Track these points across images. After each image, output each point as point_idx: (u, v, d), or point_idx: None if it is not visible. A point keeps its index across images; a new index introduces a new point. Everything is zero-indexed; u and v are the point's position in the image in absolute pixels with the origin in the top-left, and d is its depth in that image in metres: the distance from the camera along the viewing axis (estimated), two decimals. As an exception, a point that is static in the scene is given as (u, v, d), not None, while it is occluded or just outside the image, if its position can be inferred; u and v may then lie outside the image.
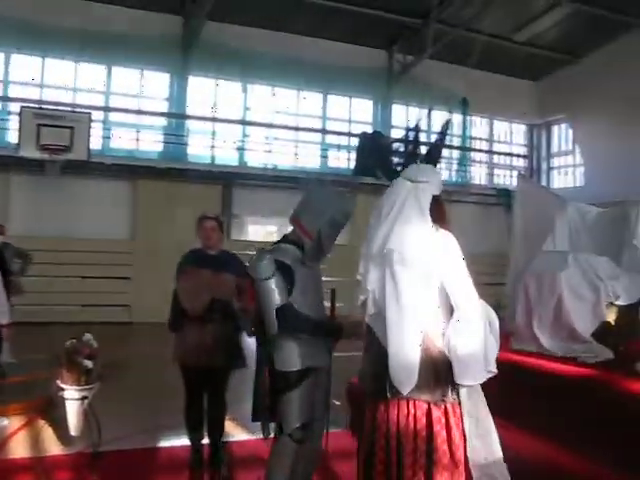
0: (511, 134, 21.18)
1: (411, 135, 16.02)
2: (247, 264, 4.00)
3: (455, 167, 19.38)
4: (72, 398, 5.40)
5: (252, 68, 16.04)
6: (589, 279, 5.71)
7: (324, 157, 17.53)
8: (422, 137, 16.69)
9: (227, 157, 16.24)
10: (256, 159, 16.56)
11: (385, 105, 18.21)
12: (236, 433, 6.00)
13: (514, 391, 4.78)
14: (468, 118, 19.40)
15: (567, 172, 20.19)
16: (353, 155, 17.24)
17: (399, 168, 16.06)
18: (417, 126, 16.09)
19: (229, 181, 15.59)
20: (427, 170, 3.45)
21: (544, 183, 20.54)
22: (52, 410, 5.71)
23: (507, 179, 20.66)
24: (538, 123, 20.78)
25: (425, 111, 17.56)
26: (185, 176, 14.81)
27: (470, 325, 3.09)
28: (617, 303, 5.76)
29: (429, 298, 3.13)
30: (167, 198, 14.48)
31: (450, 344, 3.10)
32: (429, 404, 3.14)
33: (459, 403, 3.19)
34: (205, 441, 5.29)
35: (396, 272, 3.14)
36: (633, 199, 6.95)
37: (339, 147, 17.51)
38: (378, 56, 17.69)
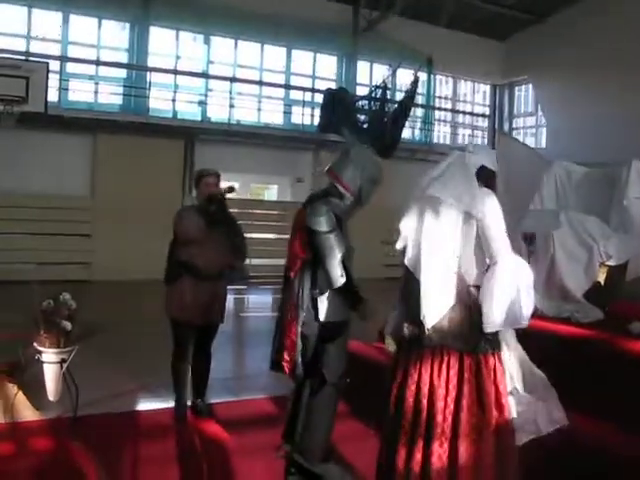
0: (474, 94, 21.11)
1: (378, 93, 15.74)
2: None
3: (419, 126, 19.19)
4: (50, 361, 5.14)
5: (214, 20, 15.52)
6: (582, 239, 5.69)
7: (288, 113, 17.17)
8: (389, 95, 16.44)
9: (189, 111, 15.79)
10: (219, 114, 16.10)
11: (350, 61, 17.87)
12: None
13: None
14: (433, 77, 19.20)
15: (529, 133, 20.25)
16: (317, 112, 16.92)
17: (365, 125, 15.87)
18: (384, 84, 15.81)
19: (191, 136, 15.16)
20: (478, 144, 3.48)
21: (495, 144, 20.58)
22: (22, 374, 5.46)
23: (470, 139, 20.69)
24: (502, 83, 20.72)
25: (393, 68, 17.28)
26: (146, 130, 14.33)
27: (504, 274, 3.11)
28: (608, 263, 5.76)
29: (467, 240, 3.21)
30: (128, 153, 14.02)
31: (485, 288, 3.15)
32: (461, 353, 3.21)
33: (493, 354, 3.22)
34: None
35: (436, 212, 3.24)
36: (601, 161, 7.02)
37: (303, 103, 17.14)
38: (344, 11, 17.26)
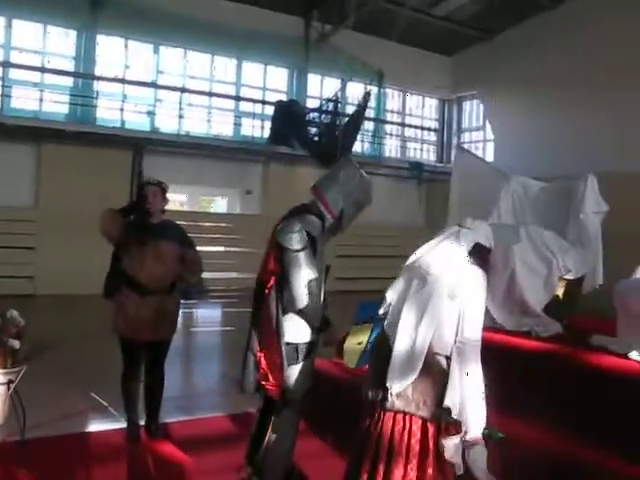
0: (423, 108, 21.30)
1: (329, 106, 15.73)
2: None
3: (369, 139, 19.25)
4: (-3, 382, 4.90)
5: (164, 29, 15.21)
6: (541, 253, 5.71)
7: (238, 125, 16.99)
8: (340, 108, 16.46)
9: (138, 122, 15.46)
10: (168, 124, 15.85)
11: (301, 74, 17.81)
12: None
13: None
14: (383, 90, 19.30)
15: (477, 147, 20.49)
16: (268, 124, 16.82)
17: (315, 138, 15.83)
18: (336, 96, 15.81)
19: (139, 147, 14.83)
20: (476, 221, 3.60)
21: (453, 158, 20.84)
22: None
23: (419, 153, 20.86)
24: (450, 98, 20.97)
25: (344, 82, 17.34)
26: (93, 140, 13.97)
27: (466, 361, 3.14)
28: (566, 277, 5.80)
29: (447, 316, 3.20)
30: (73, 163, 13.65)
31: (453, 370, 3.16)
32: (425, 420, 3.20)
33: (455, 423, 3.16)
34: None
35: (422, 285, 3.29)
36: (547, 176, 7.13)
37: (254, 115, 17.01)
38: (295, 23, 17.21)
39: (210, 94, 16.53)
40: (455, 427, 3.17)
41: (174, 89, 15.92)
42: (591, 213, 6.16)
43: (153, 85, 15.75)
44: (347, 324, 6.04)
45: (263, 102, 17.23)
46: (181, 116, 15.78)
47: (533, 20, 16.97)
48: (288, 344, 3.80)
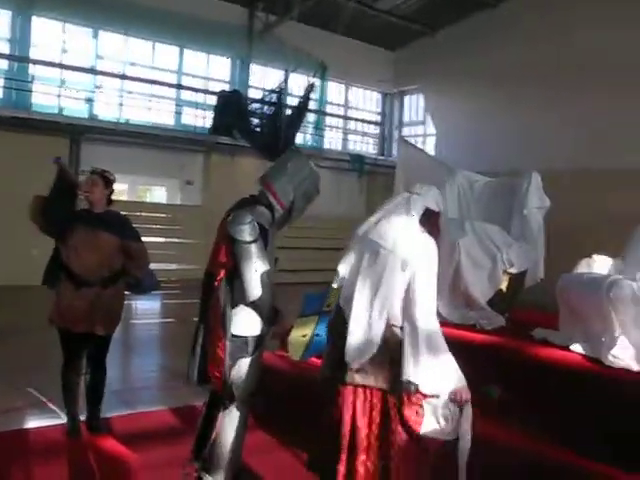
0: (365, 101, 21.39)
1: (273, 97, 15.61)
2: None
3: (311, 131, 19.22)
4: None
5: (103, 13, 14.85)
6: (486, 247, 5.78)
7: (179, 114, 16.77)
8: (283, 99, 16.36)
9: (76, 108, 15.04)
10: (107, 112, 15.51)
11: (244, 64, 17.66)
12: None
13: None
14: (326, 83, 19.29)
15: (417, 141, 20.65)
16: (209, 113, 16.64)
17: (258, 129, 15.71)
18: (280, 88, 15.68)
19: (77, 134, 14.45)
20: (424, 186, 3.64)
21: (395, 151, 21.05)
22: None
23: (360, 145, 20.95)
24: (392, 92, 21.11)
25: (287, 73, 17.27)
26: (29, 126, 13.53)
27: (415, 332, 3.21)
28: (510, 271, 5.89)
29: (400, 287, 3.26)
30: (8, 150, 13.16)
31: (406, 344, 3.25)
32: (385, 392, 3.27)
33: (417, 392, 3.20)
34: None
35: (374, 256, 3.34)
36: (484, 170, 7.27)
37: (196, 105, 16.78)
38: (239, 13, 17.04)
39: (151, 82, 16.19)
40: (417, 396, 3.21)
41: (114, 75, 15.63)
42: (534, 209, 6.27)
43: (92, 71, 15.40)
44: (292, 316, 6.00)
45: (205, 91, 17.05)
46: (121, 104, 15.49)
47: (475, 16, 17.23)
48: (238, 337, 3.77)
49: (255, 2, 16.95)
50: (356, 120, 21.09)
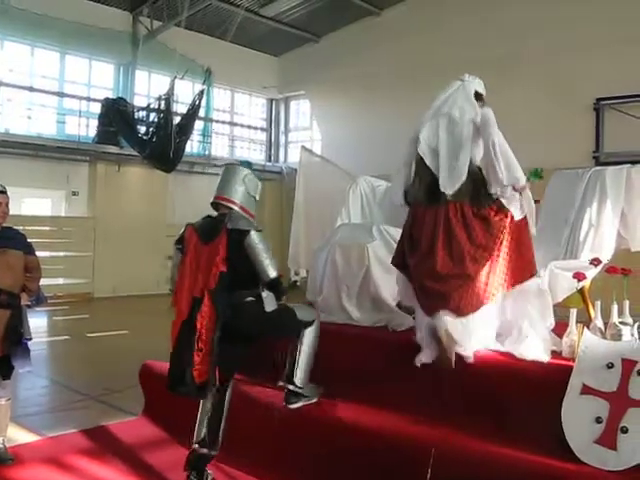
0: (251, 107, 21.42)
1: (161, 104, 15.33)
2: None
3: (198, 138, 19.04)
4: None
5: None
6: (393, 250, 5.90)
7: (62, 123, 16.21)
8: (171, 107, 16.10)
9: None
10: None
11: (128, 70, 17.30)
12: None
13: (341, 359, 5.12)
14: (212, 89, 19.17)
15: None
16: (93, 122, 16.19)
17: (145, 137, 15.40)
18: (167, 95, 15.42)
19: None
20: (469, 75, 4.75)
21: (282, 157, 21.20)
22: None
23: (248, 152, 20.95)
24: (278, 98, 21.23)
25: (174, 80, 16.99)
26: None
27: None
28: (415, 273, 6.02)
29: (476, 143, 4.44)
30: None
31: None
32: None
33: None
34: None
35: (450, 124, 4.47)
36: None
37: (80, 113, 16.25)
38: (123, 18, 16.75)
39: (31, 89, 15.60)
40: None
41: (-11, 83, 14.87)
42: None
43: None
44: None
45: (89, 99, 16.58)
46: (-1, 113, 14.79)
47: (358, 24, 17.72)
48: (272, 312, 4.33)
49: (139, 7, 16.63)
50: (242, 126, 21.06)
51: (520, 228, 4.46)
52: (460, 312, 4.29)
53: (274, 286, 4.30)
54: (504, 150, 4.34)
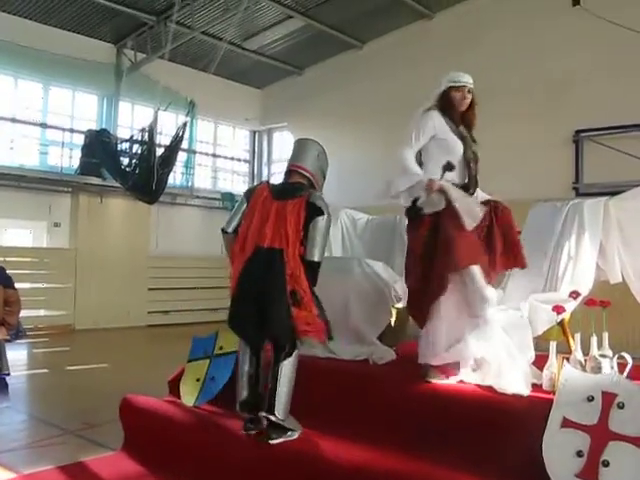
0: (234, 139, 21.48)
1: (144, 136, 15.34)
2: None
3: (181, 170, 19.04)
4: None
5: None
6: (375, 284, 5.94)
7: (44, 154, 16.17)
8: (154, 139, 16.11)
9: None
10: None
11: (111, 102, 17.34)
12: None
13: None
14: (195, 121, 19.23)
15: (288, 178, 20.93)
16: (76, 153, 16.18)
17: (129, 169, 15.39)
18: (150, 127, 15.44)
19: None
20: None
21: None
22: None
23: (231, 184, 20.98)
24: (261, 129, 21.34)
25: (157, 111, 17.04)
26: None
27: None
28: (397, 306, 6.06)
29: None
30: None
31: None
32: None
33: None
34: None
35: None
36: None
37: (63, 144, 16.22)
38: (106, 50, 16.82)
39: (14, 120, 15.57)
40: None
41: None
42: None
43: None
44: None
45: (72, 130, 16.56)
46: (-20, 144, 14.73)
47: (340, 57, 17.92)
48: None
49: (123, 40, 16.72)
50: (225, 158, 21.12)
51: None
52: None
53: (313, 269, 4.58)
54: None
